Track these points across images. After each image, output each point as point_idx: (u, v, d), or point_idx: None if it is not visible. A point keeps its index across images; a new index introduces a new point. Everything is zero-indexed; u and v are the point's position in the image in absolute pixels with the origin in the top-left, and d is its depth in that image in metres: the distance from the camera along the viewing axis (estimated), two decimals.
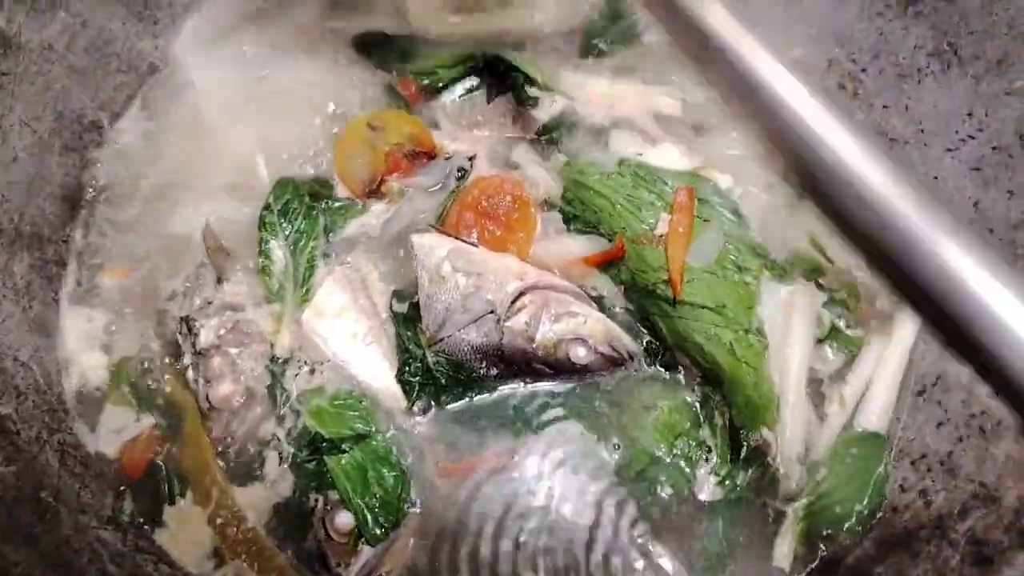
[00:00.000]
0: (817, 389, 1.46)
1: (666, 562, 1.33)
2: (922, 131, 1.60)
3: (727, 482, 1.38)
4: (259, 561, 1.33)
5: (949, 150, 1.54)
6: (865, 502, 1.37)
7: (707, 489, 1.38)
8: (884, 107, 1.67)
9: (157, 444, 1.42)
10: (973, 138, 1.50)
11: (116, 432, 1.43)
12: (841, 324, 1.50)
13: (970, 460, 1.31)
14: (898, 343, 1.48)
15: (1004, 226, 1.42)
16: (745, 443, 1.39)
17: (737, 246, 1.52)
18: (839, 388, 1.46)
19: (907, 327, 1.49)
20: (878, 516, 1.37)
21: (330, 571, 1.29)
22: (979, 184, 1.48)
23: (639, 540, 1.34)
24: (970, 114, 1.50)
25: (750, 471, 1.38)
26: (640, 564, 1.33)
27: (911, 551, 1.28)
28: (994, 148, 1.46)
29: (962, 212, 1.50)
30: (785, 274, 1.51)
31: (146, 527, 1.37)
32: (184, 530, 1.36)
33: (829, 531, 1.37)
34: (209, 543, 1.35)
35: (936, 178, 1.56)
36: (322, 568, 1.31)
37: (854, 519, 1.37)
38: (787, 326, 1.47)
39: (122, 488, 1.39)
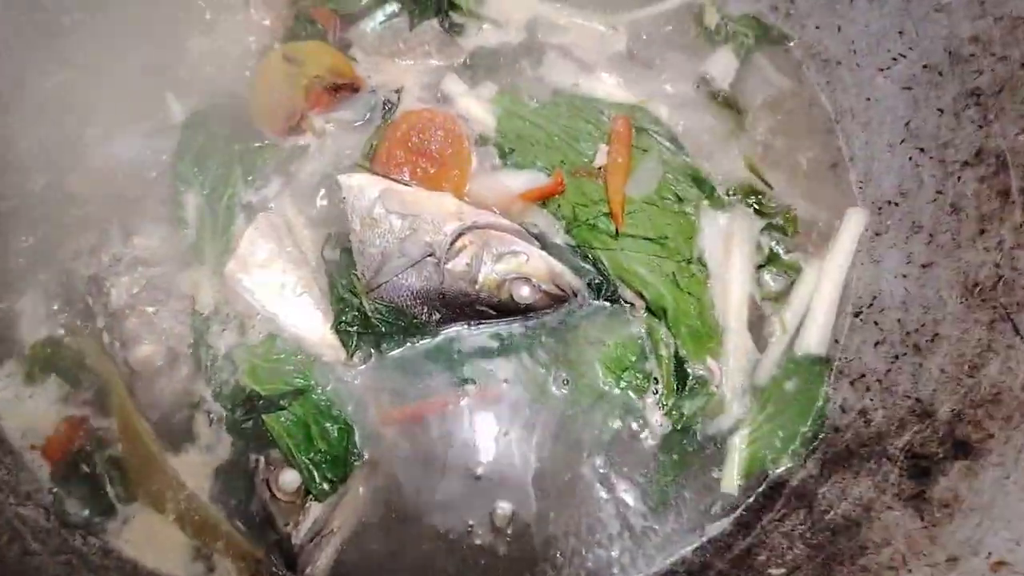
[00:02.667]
0: (758, 315, 1.48)
1: (626, 494, 1.35)
2: (854, 51, 1.61)
3: (674, 413, 1.39)
4: (204, 531, 1.28)
5: (881, 69, 1.56)
6: (807, 425, 1.41)
7: (655, 420, 1.39)
8: (816, 27, 1.67)
9: (82, 431, 1.34)
10: (904, 56, 1.52)
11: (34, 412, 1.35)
12: (780, 249, 1.52)
13: (906, 377, 1.35)
14: (834, 265, 1.50)
15: (934, 144, 1.45)
16: (690, 372, 1.41)
17: (676, 175, 1.51)
18: (779, 313, 1.48)
19: (843, 249, 1.51)
20: (820, 438, 1.41)
21: (279, 532, 1.26)
22: (910, 103, 1.51)
23: (600, 471, 1.36)
24: (901, 33, 1.51)
25: (695, 400, 1.40)
26: (603, 494, 1.35)
27: (853, 469, 1.32)
28: (924, 67, 1.47)
29: (895, 132, 1.52)
30: (724, 202, 1.51)
31: (96, 521, 1.31)
32: (136, 522, 1.30)
33: (773, 456, 1.40)
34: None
35: (869, 99, 1.58)
36: (270, 530, 1.27)
37: (797, 442, 1.41)
38: (727, 254, 1.49)
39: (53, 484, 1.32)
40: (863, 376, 1.42)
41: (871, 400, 1.38)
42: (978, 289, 1.31)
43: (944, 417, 1.26)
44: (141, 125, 1.51)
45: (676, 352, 1.41)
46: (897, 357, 1.38)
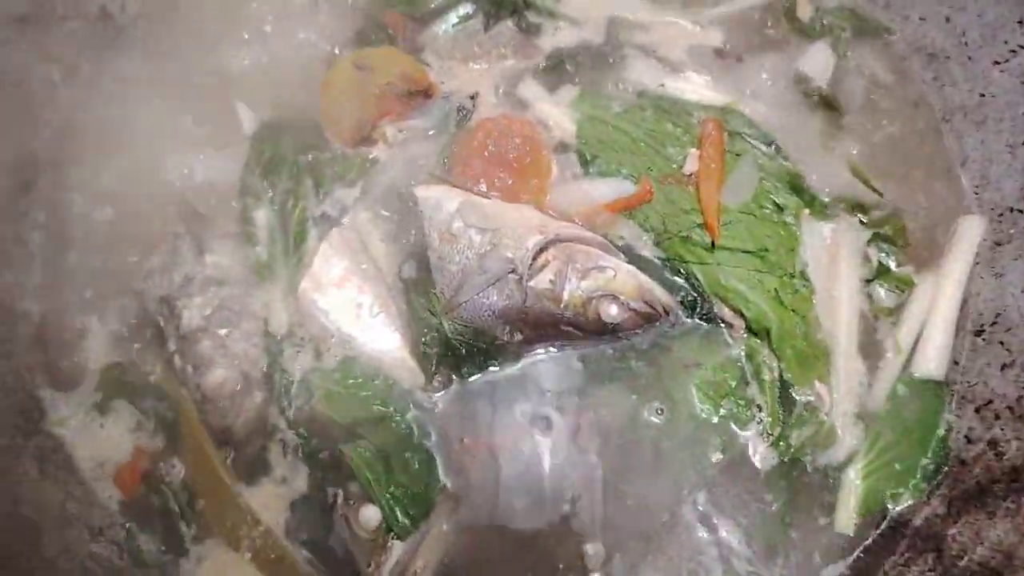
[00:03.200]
0: (869, 334, 1.40)
1: (729, 535, 1.28)
2: (965, 43, 1.53)
3: (780, 444, 1.32)
4: (280, 571, 1.26)
5: (997, 63, 1.47)
6: (929, 456, 1.33)
7: (760, 452, 1.32)
8: (921, 19, 1.61)
9: (151, 458, 1.33)
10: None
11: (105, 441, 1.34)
12: (890, 262, 1.44)
13: None
14: (951, 279, 1.41)
15: None
16: (797, 399, 1.34)
17: (774, 182, 1.45)
18: (892, 332, 1.40)
19: (959, 261, 1.42)
20: (944, 471, 1.32)
21: (360, 574, 1.23)
22: None
23: (700, 509, 1.29)
24: (1020, 22, 1.43)
25: (803, 429, 1.32)
26: (704, 535, 1.28)
27: (987, 509, 1.23)
28: None
29: (1015, 131, 1.43)
30: (827, 211, 1.44)
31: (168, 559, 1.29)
32: (209, 562, 1.28)
33: (892, 491, 1.32)
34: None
35: (983, 95, 1.50)
36: (350, 571, 1.24)
37: (919, 476, 1.33)
38: (832, 268, 1.43)
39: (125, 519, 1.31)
40: (990, 403, 1.32)
41: (1001, 430, 1.29)
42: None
43: None
44: (210, 139, 1.50)
45: (780, 376, 1.35)
46: None
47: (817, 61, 1.59)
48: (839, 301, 1.40)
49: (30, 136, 1.50)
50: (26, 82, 1.50)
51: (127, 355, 1.38)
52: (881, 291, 1.43)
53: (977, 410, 1.33)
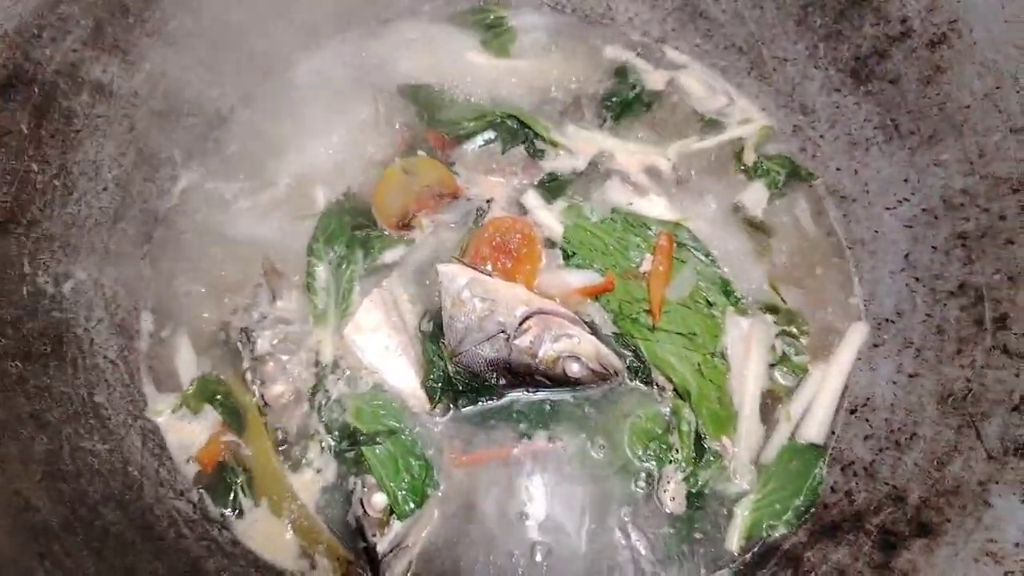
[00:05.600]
0: (768, 405, 1.72)
1: (639, 543, 1.59)
2: (867, 191, 1.86)
3: (690, 479, 1.61)
4: (310, 535, 1.58)
5: (888, 208, 1.80)
6: (801, 499, 1.62)
7: (673, 484, 1.62)
8: (837, 169, 1.95)
9: (226, 448, 1.66)
10: (908, 200, 1.76)
11: (188, 431, 1.70)
12: (790, 352, 1.77)
13: (887, 467, 1.58)
14: (837, 369, 1.75)
15: (928, 275, 1.69)
16: (707, 448, 1.66)
17: (708, 284, 1.79)
18: (786, 405, 1.72)
19: (846, 356, 1.76)
20: (811, 511, 1.62)
21: (367, 541, 1.54)
22: (910, 239, 1.74)
23: (621, 521, 1.60)
24: (906, 180, 1.76)
25: (709, 470, 1.63)
26: (621, 541, 1.59)
27: (835, 539, 1.52)
28: (923, 209, 1.72)
29: (896, 262, 1.77)
30: (746, 310, 1.78)
31: (225, 516, 1.62)
32: (259, 523, 1.61)
33: (771, 523, 1.61)
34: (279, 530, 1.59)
35: (877, 232, 1.83)
36: (360, 539, 1.56)
37: (792, 514, 1.61)
38: (746, 352, 1.74)
39: (199, 487, 1.65)
40: (852, 463, 1.63)
41: (856, 484, 1.59)
42: (952, 399, 1.52)
43: (913, 502, 1.47)
44: (291, 212, 1.88)
45: (696, 429, 1.65)
46: (881, 450, 1.60)
47: (754, 195, 1.93)
48: (748, 378, 1.69)
49: (155, 199, 1.93)
50: (157, 158, 1.92)
51: (213, 368, 1.73)
52: (779, 375, 1.73)
53: (842, 468, 1.63)
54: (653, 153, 2.00)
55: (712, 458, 1.65)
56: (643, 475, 1.64)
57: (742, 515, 1.62)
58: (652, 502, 1.62)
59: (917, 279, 1.72)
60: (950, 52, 1.67)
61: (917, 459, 1.53)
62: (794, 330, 1.78)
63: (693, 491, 1.62)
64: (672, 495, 1.62)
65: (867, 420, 1.68)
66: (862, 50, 1.86)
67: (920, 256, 1.72)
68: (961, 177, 1.65)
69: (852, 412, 1.72)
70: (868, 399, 1.71)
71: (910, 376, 1.65)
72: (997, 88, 1.58)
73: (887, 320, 1.76)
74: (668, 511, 1.61)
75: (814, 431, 1.69)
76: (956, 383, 1.55)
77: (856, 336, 1.77)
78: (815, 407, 1.71)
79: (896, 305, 1.74)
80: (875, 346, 1.75)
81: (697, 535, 1.61)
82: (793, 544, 1.60)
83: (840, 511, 1.58)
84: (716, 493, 1.64)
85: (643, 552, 1.59)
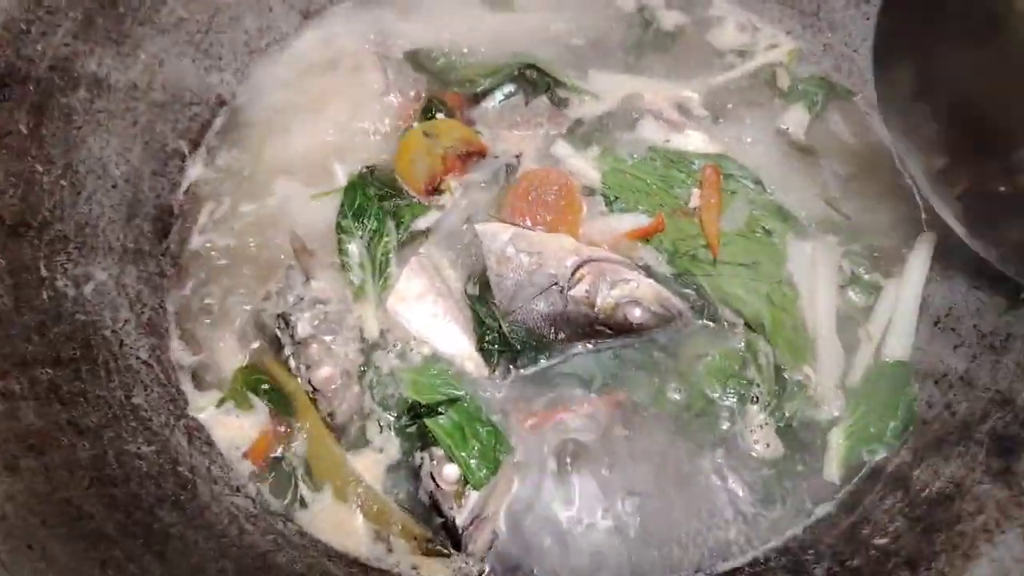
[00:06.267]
0: (847, 327, 1.64)
1: (735, 486, 1.51)
2: None
3: (776, 412, 1.55)
4: (381, 517, 1.48)
5: None
6: (898, 419, 1.55)
7: (759, 421, 1.55)
8: None
9: (278, 439, 1.57)
10: None
11: (236, 425, 1.60)
12: (861, 271, 1.69)
13: (985, 372, 1.50)
14: (910, 283, 1.67)
15: None
16: (788, 379, 1.58)
17: (762, 212, 1.72)
18: (865, 325, 1.65)
19: (917, 269, 1.68)
20: (910, 430, 1.55)
21: (444, 516, 1.44)
22: None
23: (715, 464, 1.53)
24: None
25: (795, 402, 1.56)
26: (717, 483, 1.52)
27: (943, 454, 1.45)
28: None
29: None
30: (807, 233, 1.71)
31: (292, 510, 1.53)
32: (325, 512, 1.51)
33: (870, 447, 1.55)
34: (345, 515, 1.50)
35: None
36: (436, 515, 1.46)
37: (890, 434, 1.54)
38: (814, 277, 1.67)
39: (255, 481, 1.55)
40: (946, 375, 1.56)
41: (953, 395, 1.52)
42: None
43: (1022, 403, 1.40)
44: (315, 189, 1.80)
45: (775, 361, 1.58)
46: (975, 356, 1.53)
47: (794, 119, 1.87)
48: (819, 302, 1.62)
49: (167, 192, 1.82)
50: (164, 150, 1.82)
51: (254, 357, 1.63)
52: (853, 295, 1.67)
53: (935, 382, 1.56)
54: (683, 89, 1.94)
55: (796, 389, 1.58)
56: (727, 416, 1.57)
57: (836, 443, 1.54)
58: (741, 443, 1.55)
59: None
60: None
61: (1020, 359, 1.45)
62: (858, 248, 1.72)
63: (781, 424, 1.55)
64: (764, 441, 1.54)
65: (953, 329, 1.61)
66: None
67: None
68: None
69: (936, 324, 1.64)
70: (951, 308, 1.63)
71: (990, 279, 1.56)
72: None
73: None
74: (759, 450, 1.54)
75: (899, 349, 1.62)
76: None
77: (925, 246, 1.70)
78: (896, 322, 1.64)
79: None
80: (950, 253, 1.67)
81: (797, 468, 1.54)
82: (898, 465, 1.52)
83: (942, 425, 1.50)
84: (806, 424, 1.57)
85: (741, 494, 1.51)
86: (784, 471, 1.53)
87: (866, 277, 1.69)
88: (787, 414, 1.55)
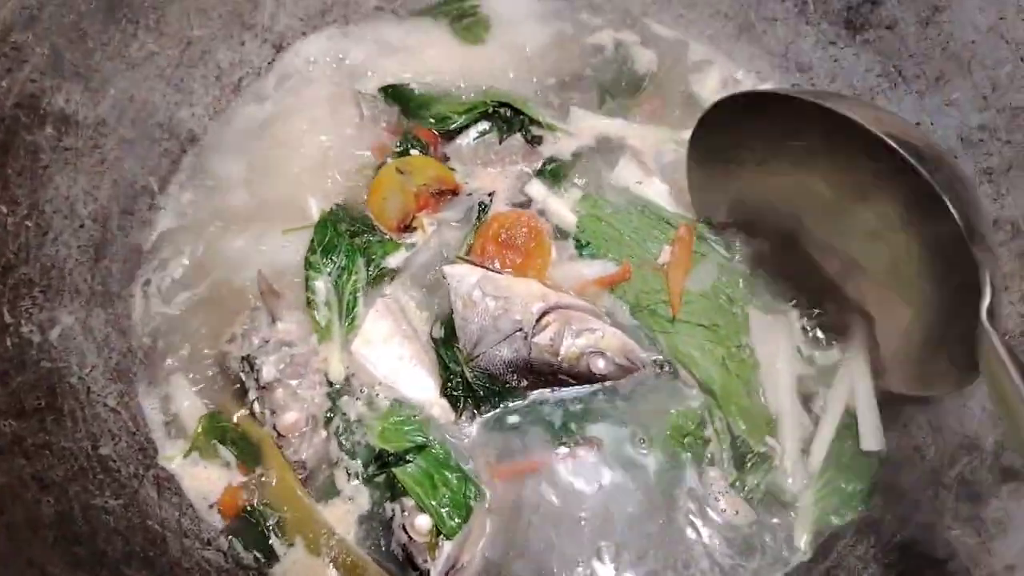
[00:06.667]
0: (808, 397, 1.64)
1: (711, 539, 1.51)
2: None
3: (738, 483, 1.54)
4: (355, 571, 1.47)
5: None
6: (866, 483, 1.56)
7: (720, 488, 1.54)
8: None
9: (246, 490, 1.55)
10: None
11: (205, 475, 1.58)
12: (820, 340, 1.68)
13: (952, 417, 1.50)
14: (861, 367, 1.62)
15: None
16: (750, 449, 1.57)
17: (729, 280, 1.71)
18: (824, 394, 1.63)
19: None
20: (877, 491, 1.55)
21: (419, 568, 1.43)
22: None
23: (689, 518, 1.52)
24: (918, 124, 1.71)
25: (757, 474, 1.55)
26: (693, 537, 1.51)
27: (913, 500, 1.46)
28: None
29: None
30: (767, 308, 1.69)
31: (260, 562, 1.51)
32: (297, 566, 1.49)
33: (836, 512, 1.54)
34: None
35: None
36: (411, 568, 1.45)
37: (856, 498, 1.54)
38: (774, 348, 1.65)
39: (227, 535, 1.54)
40: (913, 419, 1.56)
41: (923, 439, 1.53)
42: (1007, 337, 1.45)
43: (989, 448, 1.41)
44: (287, 225, 1.78)
45: (729, 428, 1.57)
46: (942, 401, 1.53)
47: None
48: (780, 373, 1.61)
49: (137, 231, 1.80)
50: (133, 188, 1.79)
51: (217, 403, 1.62)
52: (814, 367, 1.64)
53: (904, 425, 1.56)
54: (655, 135, 1.93)
55: (759, 459, 1.57)
56: (696, 471, 1.57)
57: (804, 512, 1.54)
58: (710, 507, 1.54)
59: None
60: None
61: (984, 403, 1.46)
62: (819, 324, 1.70)
63: (744, 496, 1.55)
64: (732, 508, 1.54)
65: None
66: None
67: None
68: (977, 113, 1.61)
69: None
70: None
71: None
72: (1001, 19, 1.55)
73: None
74: (730, 523, 1.53)
75: (867, 436, 1.58)
76: (1008, 320, 1.48)
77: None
78: (860, 406, 1.60)
79: None
80: None
81: (765, 527, 1.54)
82: (865, 515, 1.53)
83: (911, 470, 1.51)
84: (774, 493, 1.56)
85: (718, 546, 1.51)
86: (757, 529, 1.53)
87: (820, 353, 1.67)
88: (753, 483, 1.55)
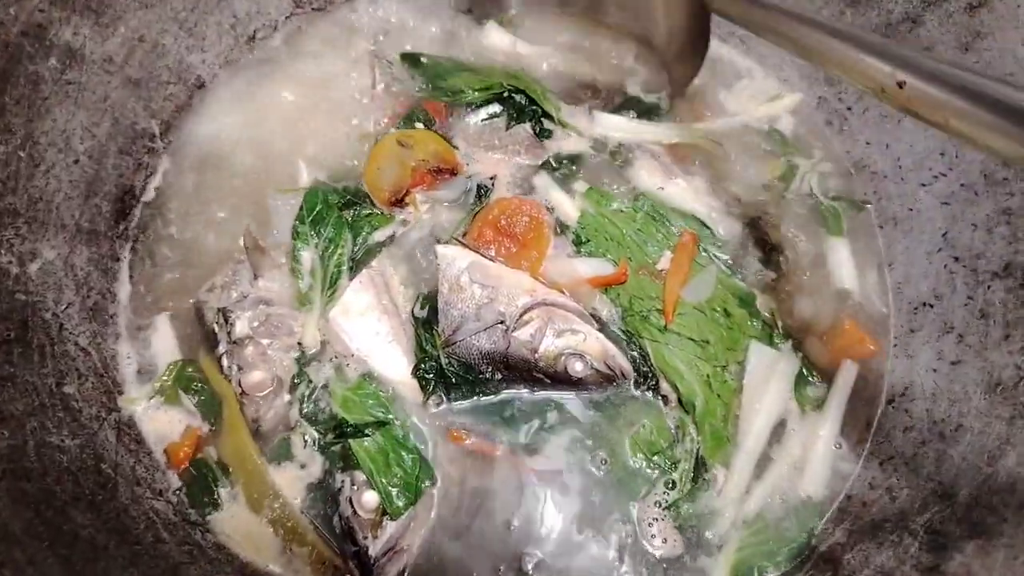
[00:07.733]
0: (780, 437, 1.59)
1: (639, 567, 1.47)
2: (900, 167, 1.76)
3: (671, 510, 1.51)
4: (293, 535, 1.45)
5: (923, 185, 1.71)
6: (795, 545, 1.50)
7: (658, 526, 1.50)
8: (867, 143, 1.84)
9: (200, 440, 1.54)
10: (944, 175, 1.66)
11: (166, 421, 1.56)
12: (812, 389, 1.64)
13: (930, 461, 1.45)
14: (828, 419, 1.60)
15: (968, 255, 1.57)
16: (700, 475, 1.53)
17: (728, 294, 1.65)
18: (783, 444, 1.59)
19: (837, 404, 1.61)
20: (806, 553, 1.50)
21: (358, 544, 1.40)
22: (948, 217, 1.64)
23: (615, 536, 1.49)
24: (942, 154, 1.67)
25: (695, 504, 1.51)
26: (616, 562, 1.47)
27: (876, 540, 1.41)
28: (962, 185, 1.61)
29: (932, 241, 1.66)
30: (773, 339, 1.64)
31: (204, 511, 1.50)
32: (237, 520, 1.48)
33: (761, 565, 1.49)
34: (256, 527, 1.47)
35: (911, 210, 1.72)
36: (350, 542, 1.42)
37: (782, 557, 1.49)
38: (766, 382, 1.60)
39: (178, 483, 1.53)
40: (892, 458, 1.52)
41: (896, 480, 1.48)
42: (1000, 388, 1.41)
43: (963, 500, 1.36)
44: (279, 184, 1.76)
45: (698, 449, 1.53)
46: (924, 443, 1.48)
47: None
48: (760, 412, 1.56)
49: (131, 173, 1.78)
50: (133, 129, 1.77)
51: (188, 353, 1.60)
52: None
53: (880, 463, 1.51)
54: (671, 136, 1.87)
55: (704, 487, 1.53)
56: (643, 490, 1.53)
57: (727, 553, 1.49)
58: (642, 533, 1.50)
59: (956, 259, 1.61)
60: (990, 16, 1.57)
61: (965, 453, 1.40)
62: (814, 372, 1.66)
63: (676, 524, 1.51)
64: (662, 536, 1.49)
65: (906, 411, 1.56)
66: (893, 16, 1.75)
67: (959, 235, 1.61)
68: None
69: (890, 403, 1.60)
70: (906, 388, 1.59)
71: (952, 363, 1.53)
72: None
73: (924, 304, 1.64)
74: (660, 554, 1.48)
75: (812, 484, 1.55)
76: (1005, 371, 1.43)
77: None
78: (811, 459, 1.57)
79: (934, 288, 1.63)
80: (912, 331, 1.64)
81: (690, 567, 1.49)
82: (831, 546, 1.48)
83: (881, 509, 1.46)
84: (706, 524, 1.52)
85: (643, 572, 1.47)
86: (682, 563, 1.49)
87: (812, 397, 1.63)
88: (682, 513, 1.51)
